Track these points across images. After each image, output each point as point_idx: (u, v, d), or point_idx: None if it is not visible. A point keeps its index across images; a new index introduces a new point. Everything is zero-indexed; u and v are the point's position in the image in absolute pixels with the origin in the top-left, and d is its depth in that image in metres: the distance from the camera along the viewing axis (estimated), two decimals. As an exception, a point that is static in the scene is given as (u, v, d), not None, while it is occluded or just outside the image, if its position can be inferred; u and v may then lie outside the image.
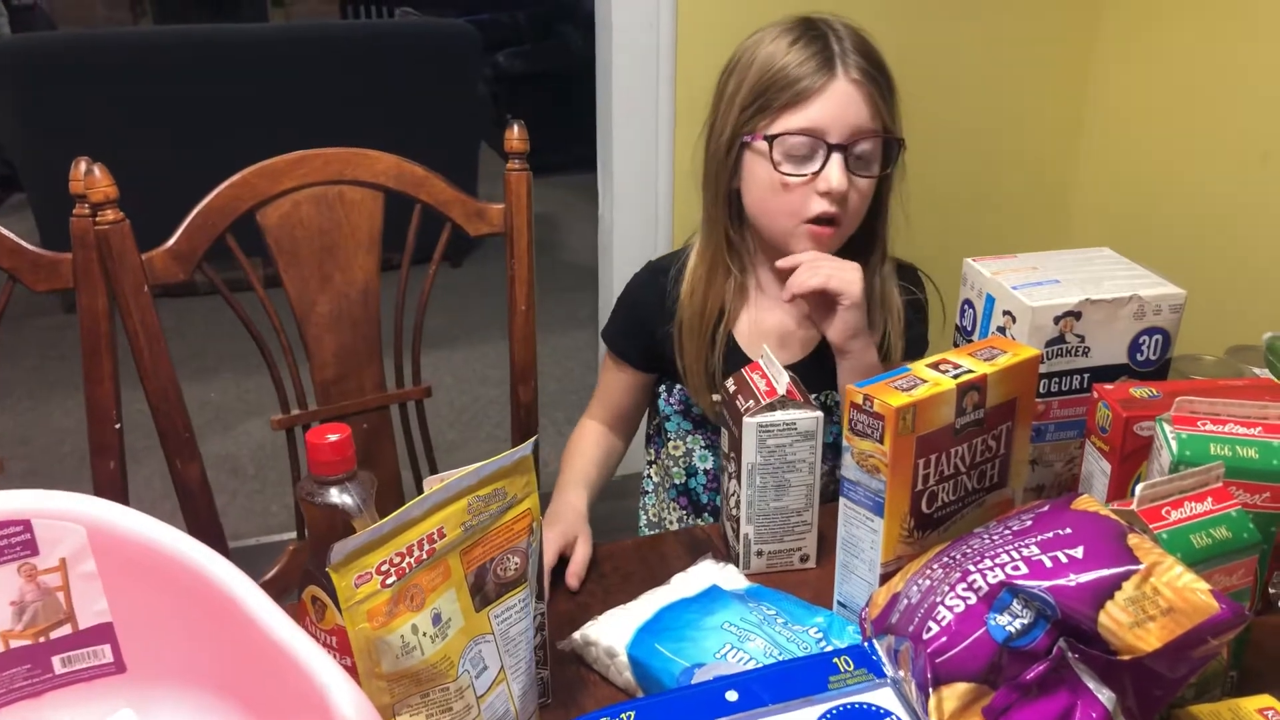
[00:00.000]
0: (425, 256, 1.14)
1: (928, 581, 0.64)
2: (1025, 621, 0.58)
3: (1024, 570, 0.59)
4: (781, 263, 1.04)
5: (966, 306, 0.95)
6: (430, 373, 1.23)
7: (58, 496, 0.62)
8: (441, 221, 1.16)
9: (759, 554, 0.92)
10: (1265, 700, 0.65)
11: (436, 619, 0.60)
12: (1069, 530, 0.61)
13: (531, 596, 0.67)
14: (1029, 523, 0.64)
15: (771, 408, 0.87)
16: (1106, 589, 0.57)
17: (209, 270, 1.07)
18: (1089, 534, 0.61)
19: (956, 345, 0.95)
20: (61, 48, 3.16)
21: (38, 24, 5.13)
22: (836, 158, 1.00)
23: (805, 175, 1.01)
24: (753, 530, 0.91)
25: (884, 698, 0.61)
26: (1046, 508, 0.66)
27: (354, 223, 1.11)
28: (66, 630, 0.63)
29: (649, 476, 1.27)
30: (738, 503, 0.90)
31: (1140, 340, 0.87)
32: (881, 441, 0.72)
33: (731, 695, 0.60)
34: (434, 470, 1.23)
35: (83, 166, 0.97)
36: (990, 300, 0.90)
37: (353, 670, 0.58)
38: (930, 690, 0.59)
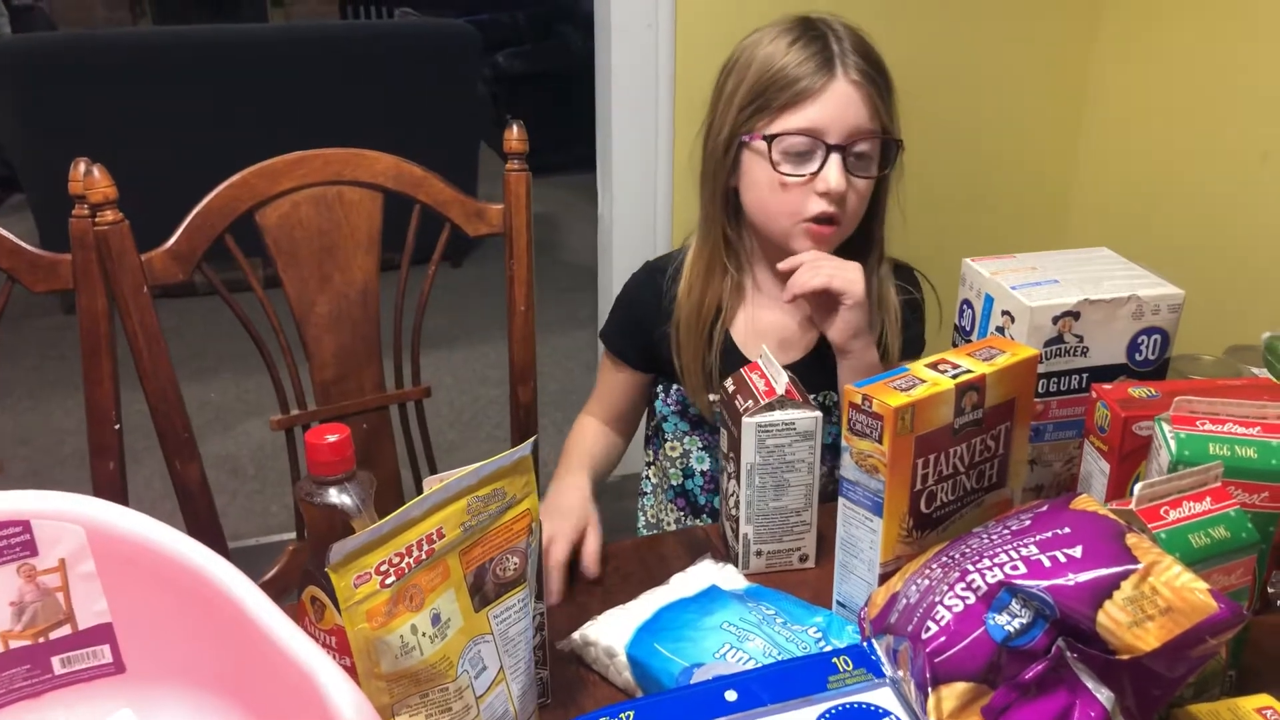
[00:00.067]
0: (425, 257, 1.15)
1: (926, 581, 0.65)
2: (1024, 621, 0.58)
3: (1023, 570, 0.59)
4: (783, 265, 1.04)
5: (965, 306, 0.95)
6: (430, 373, 1.23)
7: (57, 497, 0.62)
8: (441, 222, 1.16)
9: (758, 554, 0.92)
10: (1264, 699, 0.65)
11: (436, 619, 0.60)
12: (1068, 530, 0.61)
13: (531, 597, 0.67)
14: (1028, 522, 0.64)
15: (770, 408, 0.87)
16: (1105, 588, 0.57)
17: (208, 271, 1.07)
18: (1087, 534, 0.61)
19: (955, 345, 0.95)
20: (61, 48, 3.16)
21: (37, 24, 5.13)
22: (835, 158, 1.00)
23: (804, 175, 1.01)
24: (752, 530, 0.91)
25: (883, 697, 0.61)
26: (1045, 507, 0.66)
27: (353, 223, 1.11)
28: (66, 631, 0.63)
29: (647, 478, 1.27)
30: (737, 503, 0.90)
31: (1139, 340, 0.87)
32: (880, 441, 0.72)
33: (731, 695, 0.60)
34: (433, 470, 1.23)
35: (82, 167, 0.97)
36: (989, 300, 0.90)
37: (352, 670, 0.58)
38: (929, 690, 0.59)
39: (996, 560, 0.61)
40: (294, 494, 1.13)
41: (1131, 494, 0.68)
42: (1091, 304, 0.85)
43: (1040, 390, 0.87)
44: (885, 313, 1.10)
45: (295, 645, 0.54)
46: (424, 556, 0.59)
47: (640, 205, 2.01)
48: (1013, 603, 0.59)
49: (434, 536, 0.60)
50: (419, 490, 0.61)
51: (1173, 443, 0.73)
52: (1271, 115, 1.76)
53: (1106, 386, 0.82)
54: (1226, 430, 0.74)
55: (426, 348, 1.23)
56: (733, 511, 0.92)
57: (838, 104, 1.00)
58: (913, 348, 1.13)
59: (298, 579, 0.64)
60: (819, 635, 0.74)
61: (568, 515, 0.95)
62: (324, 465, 0.63)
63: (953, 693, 0.58)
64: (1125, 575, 0.57)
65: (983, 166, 2.18)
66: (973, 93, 2.11)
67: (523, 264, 1.17)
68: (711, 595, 0.81)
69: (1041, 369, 0.86)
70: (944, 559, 0.65)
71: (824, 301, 1.03)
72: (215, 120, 3.15)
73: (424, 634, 0.59)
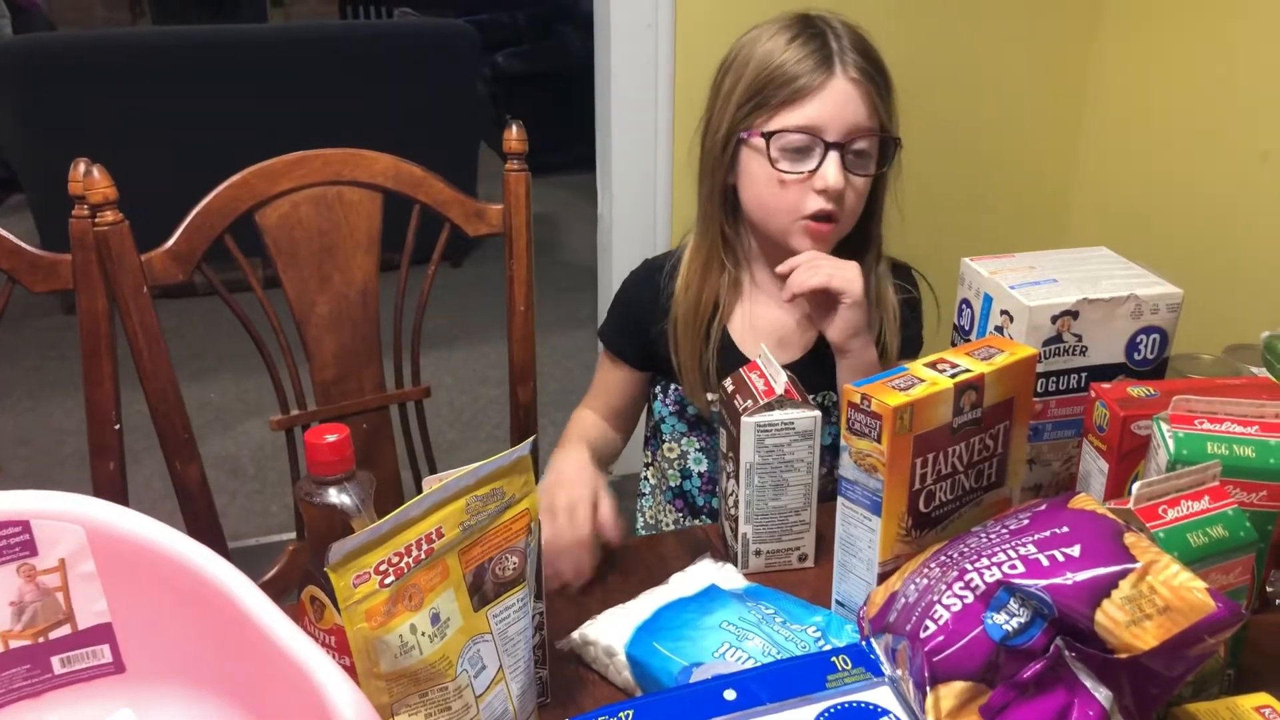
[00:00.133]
0: (424, 257, 1.15)
1: (925, 580, 0.65)
2: (1022, 620, 0.58)
3: (1021, 569, 0.59)
4: (781, 267, 1.04)
5: (964, 306, 0.95)
6: (429, 373, 1.23)
7: (56, 497, 0.62)
8: (440, 222, 1.16)
9: (757, 553, 0.92)
10: (1262, 698, 0.65)
11: (435, 619, 0.60)
12: (1066, 529, 0.62)
13: (530, 596, 0.68)
14: (1026, 521, 0.64)
15: (769, 407, 0.87)
16: (1103, 587, 0.57)
17: (208, 271, 1.07)
18: (1086, 533, 0.61)
19: (954, 345, 0.95)
20: (61, 49, 3.16)
21: (36, 25, 5.13)
22: (833, 155, 1.00)
23: (802, 173, 1.01)
24: (751, 530, 0.91)
25: (882, 696, 0.61)
26: (1044, 506, 0.66)
27: (353, 223, 1.12)
28: (66, 630, 0.63)
29: (645, 479, 1.27)
30: (736, 502, 0.90)
31: (1138, 339, 0.87)
32: (879, 441, 0.72)
33: (730, 694, 0.60)
34: (433, 470, 1.23)
35: (81, 168, 0.97)
36: (988, 300, 0.90)
37: (351, 670, 0.58)
38: (927, 689, 0.59)
39: (995, 559, 0.61)
40: (294, 494, 1.13)
41: (1130, 493, 0.68)
42: (1090, 303, 0.85)
43: (1039, 389, 0.87)
44: (884, 311, 1.11)
45: (295, 645, 0.54)
46: (423, 556, 0.59)
47: (640, 205, 2.01)
48: (1011, 602, 0.59)
49: (433, 536, 0.60)
50: (419, 490, 0.61)
51: (1171, 442, 0.73)
52: (1271, 115, 1.76)
53: (1105, 386, 0.82)
54: (1225, 429, 0.74)
55: (426, 348, 1.23)
56: (732, 511, 0.92)
57: (836, 101, 1.00)
58: (911, 346, 1.13)
59: (298, 579, 0.64)
60: (818, 634, 0.74)
61: (578, 482, 0.92)
62: (323, 465, 0.63)
63: (951, 692, 0.58)
64: (1123, 574, 0.57)
65: (983, 166, 2.18)
66: (973, 93, 2.11)
67: (522, 264, 1.17)
68: (711, 595, 0.81)
69: (1040, 368, 0.86)
70: (942, 558, 0.65)
71: (822, 301, 1.03)
72: (215, 120, 3.15)
73: (423, 633, 0.59)
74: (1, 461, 1.05)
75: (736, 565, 0.91)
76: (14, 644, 0.62)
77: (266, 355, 1.14)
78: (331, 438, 0.63)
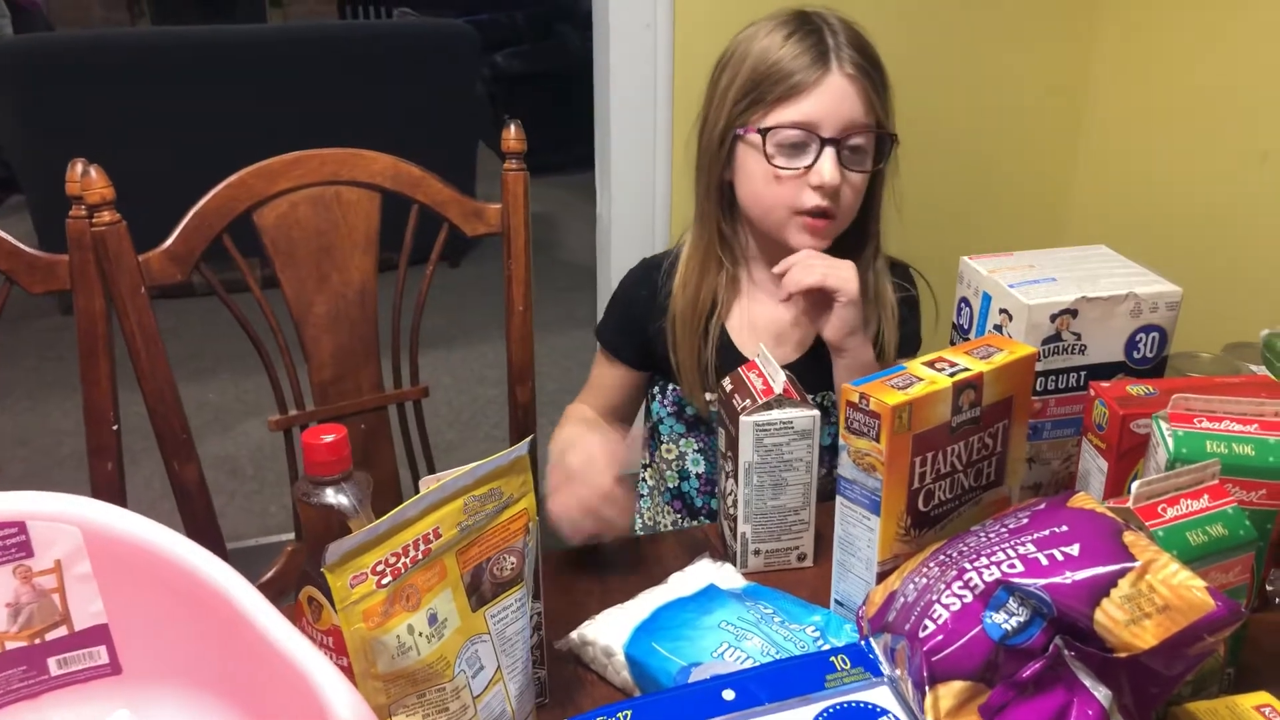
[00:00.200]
0: (423, 257, 1.14)
1: (924, 580, 0.64)
2: (1021, 619, 0.58)
3: (1020, 568, 0.59)
4: (778, 268, 1.04)
5: (963, 304, 0.95)
6: (428, 373, 1.23)
7: (52, 498, 0.62)
8: (439, 221, 1.16)
9: (756, 553, 0.92)
10: (1262, 697, 0.65)
11: (433, 619, 0.60)
12: (1065, 528, 0.61)
13: (528, 596, 0.67)
14: (1025, 520, 0.64)
15: (768, 406, 0.87)
16: (1102, 586, 0.57)
17: (206, 271, 1.07)
18: (1085, 531, 0.61)
19: (953, 343, 0.95)
20: (61, 48, 3.16)
21: (36, 25, 5.13)
22: (829, 151, 1.00)
23: (798, 169, 1.01)
24: (750, 529, 0.91)
25: (881, 696, 0.61)
26: (1043, 505, 0.66)
27: (351, 223, 1.11)
28: (62, 632, 0.63)
29: (644, 480, 1.26)
30: (735, 502, 0.90)
31: (1137, 338, 0.87)
32: (878, 440, 0.72)
33: (728, 694, 0.60)
34: (432, 470, 1.22)
35: (79, 168, 0.97)
36: (987, 298, 0.90)
37: (349, 670, 0.57)
38: (926, 688, 0.59)
39: (994, 558, 0.61)
40: (292, 494, 1.13)
41: (1129, 492, 0.68)
42: (1089, 302, 0.85)
43: (1038, 388, 0.87)
44: (882, 308, 1.11)
45: (292, 646, 0.54)
46: (420, 556, 0.59)
47: (639, 205, 2.00)
48: (1010, 601, 0.59)
49: (430, 536, 0.59)
50: (417, 490, 0.61)
51: (1170, 440, 0.73)
52: (1271, 115, 1.75)
53: (1104, 384, 0.82)
54: (1224, 428, 0.74)
55: (424, 348, 1.22)
56: (731, 510, 0.92)
57: (832, 97, 1.00)
58: (909, 344, 1.13)
59: (296, 580, 0.64)
60: (817, 634, 0.74)
61: (587, 438, 0.92)
62: (321, 465, 0.63)
63: (950, 691, 0.58)
64: (1123, 573, 0.57)
65: (983, 166, 2.18)
66: (972, 90, 2.10)
67: (521, 264, 1.17)
68: (709, 594, 0.81)
69: (1039, 367, 0.86)
70: (941, 557, 0.65)
71: (818, 300, 1.03)
72: (214, 120, 3.15)
73: (421, 634, 0.59)
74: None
75: (735, 565, 0.91)
76: (10, 645, 0.62)
77: (264, 355, 1.14)
78: (329, 438, 0.63)
